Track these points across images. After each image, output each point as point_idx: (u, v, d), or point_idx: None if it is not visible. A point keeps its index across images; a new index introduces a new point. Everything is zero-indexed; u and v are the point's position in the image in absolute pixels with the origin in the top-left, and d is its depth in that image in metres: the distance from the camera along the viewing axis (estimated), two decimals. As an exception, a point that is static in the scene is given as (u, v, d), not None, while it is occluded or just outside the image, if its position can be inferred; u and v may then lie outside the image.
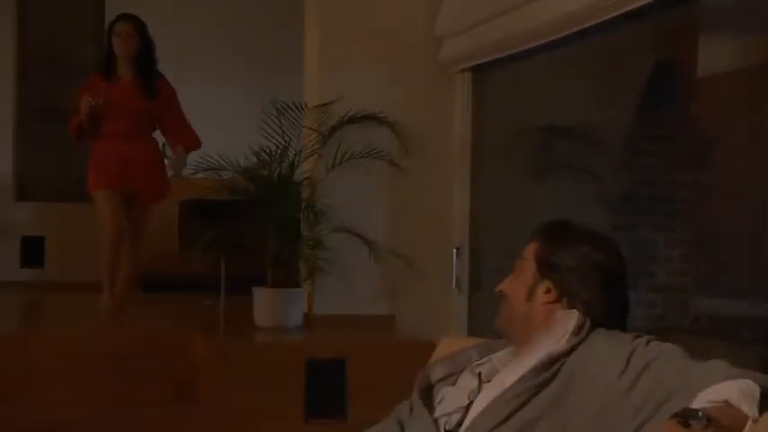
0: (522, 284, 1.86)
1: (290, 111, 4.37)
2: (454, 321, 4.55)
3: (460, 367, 1.93)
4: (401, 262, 4.54)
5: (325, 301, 4.53)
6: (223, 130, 6.16)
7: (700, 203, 3.46)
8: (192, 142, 4.92)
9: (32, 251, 7.02)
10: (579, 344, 1.74)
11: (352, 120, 4.40)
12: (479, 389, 1.82)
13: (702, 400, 1.50)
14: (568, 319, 1.78)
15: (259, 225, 4.40)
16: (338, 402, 3.92)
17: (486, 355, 1.93)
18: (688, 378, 1.58)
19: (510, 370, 1.79)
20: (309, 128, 4.47)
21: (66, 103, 5.13)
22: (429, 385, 1.94)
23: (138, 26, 4.87)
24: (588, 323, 1.77)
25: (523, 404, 1.70)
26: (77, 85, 4.95)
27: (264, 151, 4.35)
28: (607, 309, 1.80)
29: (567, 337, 1.75)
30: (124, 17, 4.90)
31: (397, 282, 4.57)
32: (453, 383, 1.91)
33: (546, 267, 1.83)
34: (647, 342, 1.71)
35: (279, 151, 4.34)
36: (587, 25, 3.47)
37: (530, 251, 1.88)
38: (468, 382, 1.88)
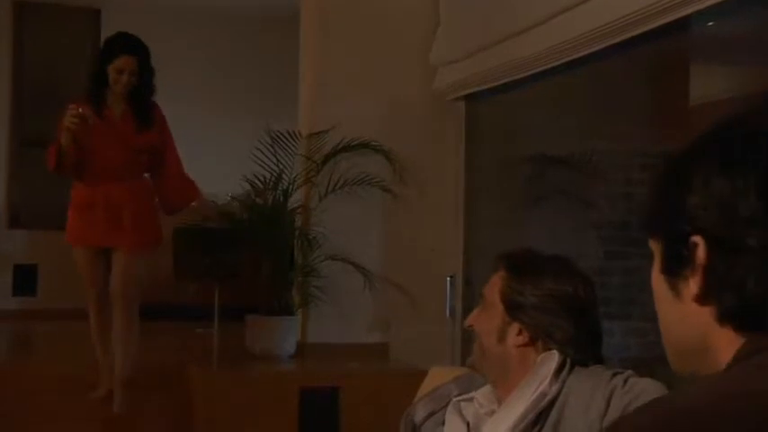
0: (492, 324, 1.82)
1: (284, 139, 4.38)
2: (448, 349, 4.54)
3: (442, 403, 1.92)
4: (395, 290, 4.53)
5: (319, 329, 4.51)
6: (216, 158, 6.17)
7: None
8: (193, 193, 4.27)
9: (25, 279, 6.99)
10: (560, 390, 1.73)
11: (347, 148, 4.41)
12: None
13: None
14: (547, 363, 1.77)
15: (253, 253, 4.39)
16: (332, 431, 3.90)
17: (466, 389, 1.92)
18: None
19: (498, 420, 1.78)
20: (303, 156, 4.48)
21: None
22: (414, 428, 1.94)
23: (141, 60, 4.06)
24: (567, 363, 1.76)
25: None
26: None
27: (258, 179, 4.36)
28: (582, 343, 1.79)
29: (548, 380, 1.73)
30: (126, 49, 4.04)
31: (390, 310, 4.56)
32: (440, 422, 1.91)
33: (513, 309, 1.80)
34: (626, 380, 1.69)
35: (273, 179, 4.35)
36: (580, 54, 3.49)
37: (495, 286, 1.83)
38: (456, 428, 1.87)
